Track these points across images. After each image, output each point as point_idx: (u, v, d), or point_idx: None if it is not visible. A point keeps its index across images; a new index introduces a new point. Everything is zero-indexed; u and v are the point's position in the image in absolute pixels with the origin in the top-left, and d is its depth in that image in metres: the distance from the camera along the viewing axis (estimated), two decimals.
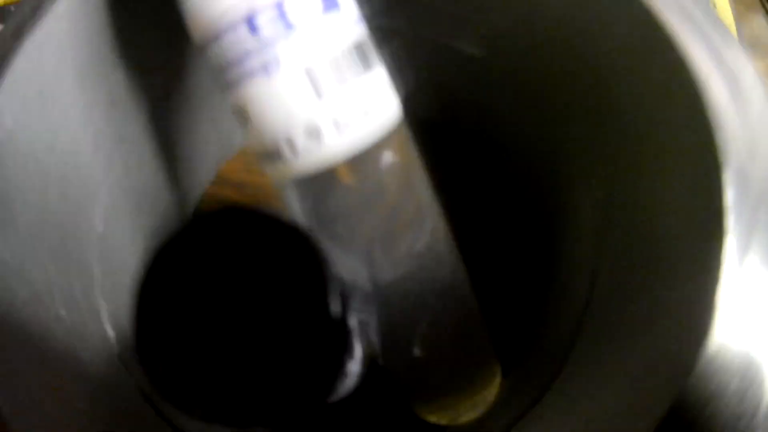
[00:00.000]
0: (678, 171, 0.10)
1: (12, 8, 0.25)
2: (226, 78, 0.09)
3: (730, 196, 0.09)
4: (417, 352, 0.12)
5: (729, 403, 0.08)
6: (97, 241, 0.13)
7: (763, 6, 0.35)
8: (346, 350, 0.09)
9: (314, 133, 0.09)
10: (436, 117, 0.18)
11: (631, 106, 0.11)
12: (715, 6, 0.26)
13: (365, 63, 0.10)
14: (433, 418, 0.15)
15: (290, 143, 0.09)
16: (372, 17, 0.11)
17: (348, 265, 0.11)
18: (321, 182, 0.10)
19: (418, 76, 0.11)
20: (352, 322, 0.09)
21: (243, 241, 0.08)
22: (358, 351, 0.11)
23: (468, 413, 0.15)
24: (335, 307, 0.08)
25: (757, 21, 0.34)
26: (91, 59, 0.12)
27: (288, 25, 0.09)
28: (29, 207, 0.11)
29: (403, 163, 0.11)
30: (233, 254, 0.08)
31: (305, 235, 0.08)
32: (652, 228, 0.10)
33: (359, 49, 0.10)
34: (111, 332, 0.13)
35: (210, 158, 0.18)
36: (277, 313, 0.08)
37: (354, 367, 0.11)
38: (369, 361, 0.14)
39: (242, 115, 0.09)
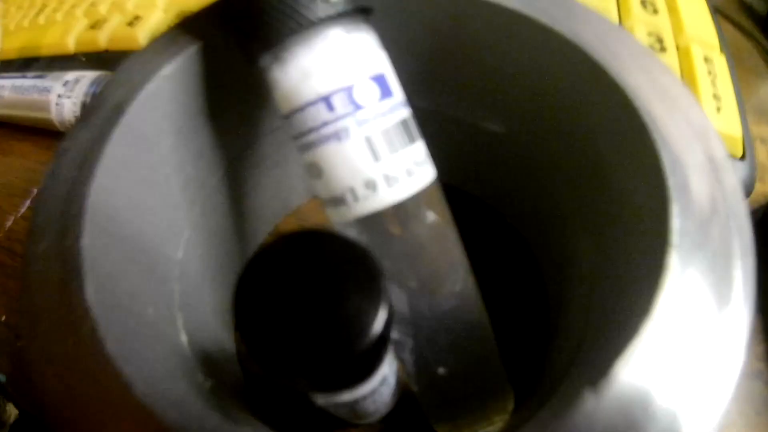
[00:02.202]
0: (643, 213, 0.13)
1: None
2: (305, 140, 0.13)
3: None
4: (442, 371, 0.15)
5: None
6: (177, 265, 0.17)
7: None
8: (386, 347, 0.12)
9: (371, 186, 0.13)
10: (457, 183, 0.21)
11: (611, 174, 0.15)
12: (716, 76, 0.29)
13: (409, 136, 0.13)
14: None
15: (353, 192, 0.13)
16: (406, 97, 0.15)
17: (393, 295, 0.14)
18: (374, 224, 0.13)
19: (448, 149, 0.15)
20: (393, 332, 0.13)
21: (320, 254, 0.11)
22: (393, 358, 0.14)
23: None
24: (384, 312, 0.11)
25: (764, 88, 0.37)
26: (187, 116, 0.16)
27: (356, 106, 0.12)
28: (130, 225, 0.14)
29: (437, 217, 0.14)
30: (312, 263, 0.11)
31: (368, 253, 0.11)
32: (625, 263, 0.14)
33: (405, 125, 0.13)
34: (184, 338, 0.16)
35: (270, 214, 0.22)
36: (340, 303, 0.11)
37: (390, 375, 0.14)
38: (402, 387, 0.17)
39: (316, 170, 0.13)
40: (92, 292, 0.12)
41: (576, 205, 0.17)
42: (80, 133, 0.14)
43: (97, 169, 0.13)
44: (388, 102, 0.13)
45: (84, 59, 0.31)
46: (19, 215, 0.28)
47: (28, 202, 0.28)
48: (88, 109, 0.15)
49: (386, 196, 0.13)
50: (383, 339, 0.11)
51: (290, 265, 0.12)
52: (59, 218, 0.13)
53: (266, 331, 0.11)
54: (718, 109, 0.27)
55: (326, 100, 0.12)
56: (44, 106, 0.27)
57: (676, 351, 0.10)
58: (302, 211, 0.25)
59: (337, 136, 0.12)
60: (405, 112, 0.13)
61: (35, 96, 0.27)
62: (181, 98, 0.16)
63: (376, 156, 0.12)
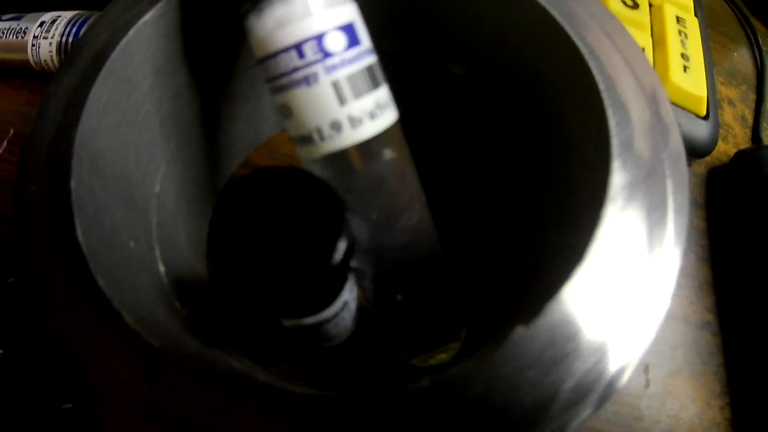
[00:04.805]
0: (588, 165, 0.15)
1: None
2: (277, 83, 0.15)
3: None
4: (399, 298, 0.17)
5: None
6: (154, 198, 0.18)
7: (748, 37, 0.40)
8: (346, 275, 0.14)
9: (336, 126, 0.14)
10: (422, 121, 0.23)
11: (562, 125, 0.17)
12: (687, 37, 0.31)
13: (374, 81, 0.15)
14: (414, 362, 0.20)
15: (319, 132, 0.14)
16: (377, 39, 0.16)
17: (355, 229, 0.16)
18: (338, 160, 0.15)
19: (414, 88, 0.17)
20: (353, 260, 0.15)
21: (287, 189, 0.13)
22: (354, 285, 0.16)
23: (438, 358, 0.20)
24: (343, 243, 0.13)
25: (738, 52, 0.39)
26: (165, 58, 0.17)
27: (325, 53, 0.14)
28: (114, 164, 0.16)
29: (397, 155, 0.16)
30: (279, 197, 0.13)
31: (331, 188, 0.13)
32: (569, 211, 0.16)
33: (370, 71, 0.15)
34: (162, 268, 0.18)
35: (241, 146, 0.24)
36: (304, 234, 0.13)
37: (351, 300, 0.16)
38: (362, 312, 0.19)
39: (286, 110, 0.15)
40: (81, 230, 0.13)
41: (530, 151, 0.19)
42: (64, 78, 0.15)
43: (82, 113, 0.15)
44: (355, 50, 0.15)
45: None
46: None
47: (5, 143, 0.29)
48: (70, 55, 0.16)
49: (350, 136, 0.14)
50: (343, 267, 0.13)
51: (259, 200, 0.13)
52: (47, 161, 0.14)
53: (236, 261, 0.13)
54: (685, 68, 0.28)
55: (297, 47, 0.14)
56: (21, 47, 0.28)
57: (606, 293, 0.12)
58: (273, 143, 0.27)
59: (306, 80, 0.14)
60: (371, 59, 0.15)
61: (11, 38, 0.28)
62: (161, 42, 0.17)
63: (341, 99, 0.14)
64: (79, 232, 0.13)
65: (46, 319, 0.13)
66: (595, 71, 0.15)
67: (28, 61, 0.28)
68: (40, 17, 0.28)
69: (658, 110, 0.15)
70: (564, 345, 0.11)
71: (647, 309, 0.12)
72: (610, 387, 0.11)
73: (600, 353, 0.11)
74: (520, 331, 0.11)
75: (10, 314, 0.25)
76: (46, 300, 0.13)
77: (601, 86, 0.15)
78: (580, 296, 0.12)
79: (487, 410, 0.10)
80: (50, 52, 0.27)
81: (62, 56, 0.27)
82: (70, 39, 0.27)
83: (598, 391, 0.11)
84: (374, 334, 0.22)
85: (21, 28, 0.28)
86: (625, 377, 0.11)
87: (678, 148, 0.15)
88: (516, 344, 0.11)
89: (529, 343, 0.11)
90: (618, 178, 0.14)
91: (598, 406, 0.11)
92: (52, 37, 0.27)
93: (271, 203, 0.13)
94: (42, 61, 0.28)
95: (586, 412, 0.11)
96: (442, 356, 0.20)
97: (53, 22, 0.28)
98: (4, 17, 0.30)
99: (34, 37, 0.28)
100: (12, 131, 0.30)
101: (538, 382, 0.10)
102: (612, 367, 0.11)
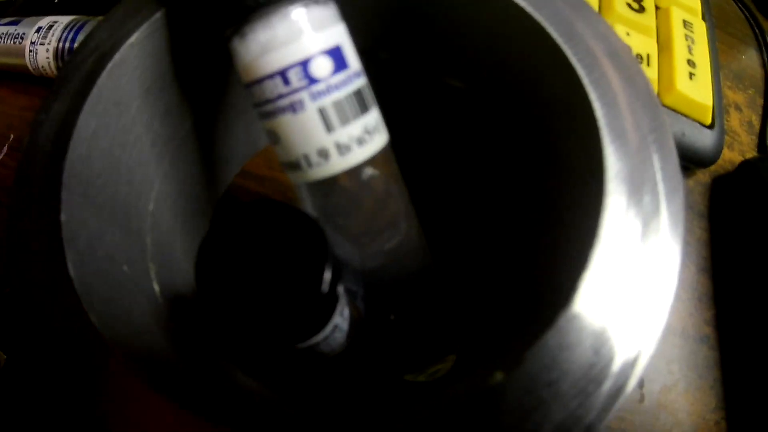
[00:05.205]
0: (580, 175, 0.15)
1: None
2: (263, 109, 0.15)
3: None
4: (392, 317, 0.17)
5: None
6: (149, 217, 0.18)
7: (757, 39, 0.40)
8: (335, 302, 0.14)
9: (323, 154, 0.14)
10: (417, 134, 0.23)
11: (556, 135, 0.17)
12: (694, 42, 0.30)
13: (362, 106, 0.15)
14: (408, 377, 0.21)
15: (307, 159, 0.14)
16: (372, 49, 0.16)
17: (345, 249, 0.16)
18: (326, 186, 0.15)
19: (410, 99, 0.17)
20: (341, 286, 0.15)
21: (269, 223, 0.13)
22: (344, 307, 0.16)
23: (430, 373, 0.20)
24: (328, 273, 0.13)
25: (746, 54, 0.38)
26: (153, 78, 0.17)
27: (310, 80, 0.14)
28: (106, 188, 0.16)
29: (385, 176, 0.16)
30: (262, 231, 0.13)
31: (312, 222, 0.13)
32: (562, 219, 0.16)
33: (358, 95, 0.15)
34: (157, 288, 0.18)
35: (238, 157, 0.24)
36: (288, 272, 0.13)
37: (342, 322, 0.17)
38: (358, 328, 0.19)
39: (274, 136, 0.15)
40: (73, 265, 0.13)
41: (524, 161, 0.19)
42: (54, 105, 0.15)
43: (70, 143, 0.15)
44: (343, 74, 0.14)
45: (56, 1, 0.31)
46: None
47: (5, 148, 0.29)
48: (58, 81, 0.16)
49: (338, 164, 0.14)
50: (331, 295, 0.13)
51: (245, 236, 0.13)
52: (38, 193, 0.14)
53: (224, 296, 0.13)
54: (691, 75, 0.28)
55: (282, 74, 0.14)
56: (19, 52, 0.28)
57: (612, 289, 0.12)
58: (269, 151, 0.26)
59: (292, 108, 0.14)
60: (360, 82, 0.15)
61: (9, 43, 0.28)
62: (148, 62, 0.17)
63: (328, 127, 0.14)
64: (70, 267, 0.13)
65: (43, 352, 0.13)
66: (593, 99, 0.15)
67: (25, 66, 0.28)
68: (37, 22, 0.28)
69: (654, 117, 0.15)
70: (543, 390, 0.11)
71: (628, 357, 0.12)
72: (589, 429, 0.11)
73: (581, 398, 0.11)
74: (498, 377, 0.11)
75: (14, 320, 0.25)
76: (44, 331, 0.13)
77: (598, 114, 0.15)
78: (562, 340, 0.12)
79: None
80: (47, 57, 0.28)
81: (59, 62, 0.27)
82: (67, 44, 0.27)
83: None
84: (367, 348, 0.22)
85: (18, 33, 0.28)
86: (604, 420, 0.11)
87: (673, 157, 0.14)
88: (494, 392, 0.11)
89: (507, 391, 0.11)
90: (611, 213, 0.13)
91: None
92: (49, 43, 0.27)
93: (258, 237, 0.14)
94: (39, 66, 0.28)
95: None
96: (438, 369, 0.20)
97: (50, 27, 0.28)
98: (1, 22, 0.30)
99: (32, 42, 0.28)
100: (12, 136, 0.30)
101: (514, 428, 0.10)
102: (591, 413, 0.11)
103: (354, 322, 0.19)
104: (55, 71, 0.28)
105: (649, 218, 0.13)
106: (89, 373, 0.13)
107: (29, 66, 0.28)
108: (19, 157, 0.30)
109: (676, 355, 0.25)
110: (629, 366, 0.12)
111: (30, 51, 0.28)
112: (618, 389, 0.11)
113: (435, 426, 0.11)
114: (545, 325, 0.12)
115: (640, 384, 0.25)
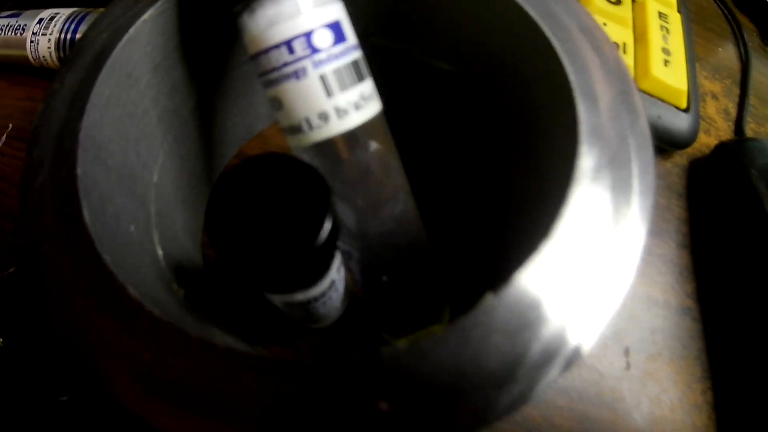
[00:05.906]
0: (558, 151, 0.16)
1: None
2: (269, 77, 0.16)
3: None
4: (385, 278, 0.19)
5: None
6: (153, 188, 0.19)
7: (734, 32, 0.42)
8: (333, 250, 0.15)
9: (324, 117, 0.16)
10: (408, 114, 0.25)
11: (538, 115, 0.18)
12: (669, 32, 0.32)
13: (359, 75, 0.16)
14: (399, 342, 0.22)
15: (308, 122, 0.16)
16: (365, 35, 0.17)
17: (341, 213, 0.18)
18: (326, 149, 0.16)
19: (400, 82, 0.18)
20: (341, 244, 0.16)
21: (277, 174, 0.14)
22: (341, 266, 0.18)
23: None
24: (329, 223, 0.14)
25: (723, 48, 0.40)
26: (163, 55, 0.19)
27: (313, 49, 0.15)
28: (116, 154, 0.17)
29: (381, 146, 0.17)
30: (271, 181, 0.14)
31: (318, 173, 0.14)
32: (541, 193, 0.17)
33: (355, 65, 0.16)
34: (160, 252, 0.19)
35: (235, 138, 0.25)
36: (294, 215, 0.14)
37: (339, 280, 0.18)
38: (350, 296, 0.20)
39: (277, 103, 0.16)
40: (87, 214, 0.15)
41: (508, 140, 0.20)
42: (67, 76, 0.17)
43: (86, 107, 0.16)
44: (342, 46, 0.16)
45: None
46: None
47: (4, 137, 0.30)
48: (72, 54, 0.17)
49: (337, 126, 0.16)
50: (329, 246, 0.14)
51: (253, 183, 0.15)
52: (53, 153, 0.16)
53: (231, 240, 0.14)
54: (666, 62, 0.30)
55: (288, 44, 0.15)
56: (20, 44, 0.29)
57: (572, 266, 0.13)
58: (265, 135, 0.28)
59: (296, 74, 0.15)
60: (356, 54, 0.16)
61: (10, 34, 0.29)
62: (159, 39, 0.18)
63: (328, 92, 0.15)
64: (86, 214, 0.14)
65: (53, 300, 0.14)
66: (566, 65, 0.17)
67: (26, 58, 0.30)
68: (38, 14, 0.29)
69: (629, 99, 0.16)
70: (530, 312, 0.12)
71: (612, 280, 0.13)
72: (576, 351, 0.12)
73: (566, 320, 0.12)
74: (489, 299, 0.12)
75: (11, 305, 0.26)
76: (54, 282, 0.14)
77: (572, 77, 0.16)
78: (547, 268, 0.13)
79: (458, 371, 0.11)
80: (49, 48, 0.29)
81: (61, 53, 0.28)
82: (69, 36, 0.28)
83: (565, 354, 0.12)
84: (362, 316, 0.23)
85: (20, 25, 0.29)
86: (591, 343, 0.12)
87: (646, 136, 0.16)
88: (485, 311, 0.12)
89: (497, 310, 0.12)
90: (585, 162, 0.15)
91: (565, 368, 0.12)
92: (50, 34, 0.28)
93: (264, 187, 0.15)
94: (41, 57, 0.29)
95: (553, 373, 0.12)
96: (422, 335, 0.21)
97: (51, 18, 0.29)
98: (2, 14, 0.31)
99: (33, 33, 0.29)
100: (11, 126, 0.31)
101: (505, 346, 0.12)
102: (578, 332, 0.12)
103: (348, 289, 0.20)
104: (56, 61, 0.29)
105: (620, 166, 0.15)
106: (100, 318, 0.14)
107: (30, 57, 0.29)
108: (18, 146, 0.31)
109: (659, 324, 0.27)
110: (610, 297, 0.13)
111: (31, 42, 0.29)
112: (602, 315, 0.13)
113: (432, 347, 0.12)
114: (531, 252, 0.13)
115: (626, 352, 0.26)
